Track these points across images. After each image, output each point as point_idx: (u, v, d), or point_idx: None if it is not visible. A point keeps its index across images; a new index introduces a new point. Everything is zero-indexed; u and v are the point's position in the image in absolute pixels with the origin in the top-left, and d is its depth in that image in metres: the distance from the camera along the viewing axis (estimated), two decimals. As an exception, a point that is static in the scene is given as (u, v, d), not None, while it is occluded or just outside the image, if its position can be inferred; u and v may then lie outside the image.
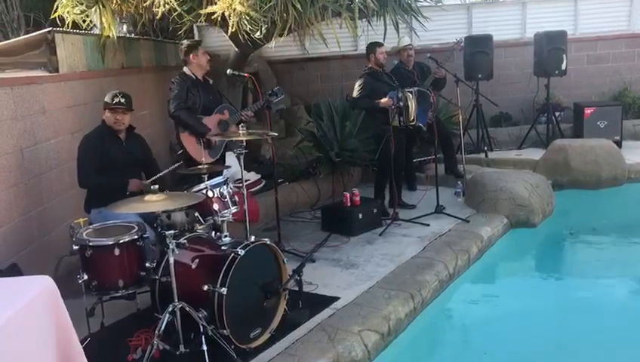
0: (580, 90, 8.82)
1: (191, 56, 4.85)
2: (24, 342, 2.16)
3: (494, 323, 4.15)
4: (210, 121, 4.86)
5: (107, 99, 4.10)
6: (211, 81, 5.08)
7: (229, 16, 4.82)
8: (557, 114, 8.30)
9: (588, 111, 7.92)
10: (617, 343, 3.76)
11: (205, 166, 3.89)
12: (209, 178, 3.77)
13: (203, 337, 3.15)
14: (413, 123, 5.76)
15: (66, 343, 2.44)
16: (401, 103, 5.53)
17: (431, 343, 4.02)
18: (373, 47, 5.93)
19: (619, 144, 7.50)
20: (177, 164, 4.41)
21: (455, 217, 5.65)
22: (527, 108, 8.73)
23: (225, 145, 5.00)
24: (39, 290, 2.36)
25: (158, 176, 4.08)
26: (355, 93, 5.88)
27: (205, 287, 3.22)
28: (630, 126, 8.39)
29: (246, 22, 4.75)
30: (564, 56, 7.88)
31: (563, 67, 7.90)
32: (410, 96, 5.66)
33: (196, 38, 8.43)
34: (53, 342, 2.37)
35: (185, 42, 4.93)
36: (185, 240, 3.46)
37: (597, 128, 7.82)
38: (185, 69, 4.90)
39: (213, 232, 3.66)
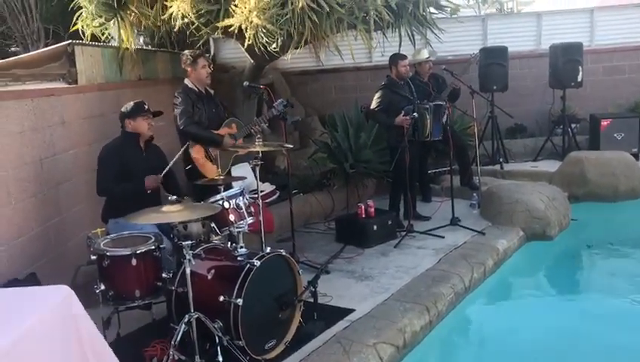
0: (596, 101, 8.75)
1: (189, 69, 4.74)
2: (43, 350, 2.18)
3: (510, 336, 4.10)
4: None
5: (135, 107, 4.15)
6: (213, 92, 4.97)
7: (246, 28, 4.85)
8: (573, 125, 8.23)
9: (604, 123, 7.85)
10: (635, 359, 3.70)
11: (220, 178, 3.91)
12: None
13: (218, 348, 3.17)
14: (427, 138, 5.75)
15: (88, 349, 2.45)
16: (416, 115, 5.51)
17: (446, 356, 3.99)
18: (395, 58, 5.88)
19: (636, 156, 7.42)
20: (183, 148, 4.40)
21: (470, 229, 5.62)
22: (542, 120, 8.67)
23: (233, 160, 4.97)
24: (58, 300, 2.39)
25: (168, 166, 4.14)
26: (372, 105, 5.88)
27: (221, 298, 3.23)
28: (647, 138, 8.29)
29: (262, 34, 4.79)
30: (580, 67, 7.83)
31: (579, 79, 7.84)
32: (427, 112, 5.64)
33: (212, 49, 8.51)
34: (74, 350, 2.39)
35: (186, 53, 4.79)
36: (201, 251, 3.49)
37: (614, 140, 7.74)
38: (186, 81, 4.79)
39: (229, 243, 3.67)
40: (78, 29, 5.74)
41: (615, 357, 3.74)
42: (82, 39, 5.58)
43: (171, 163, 4.18)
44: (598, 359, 3.74)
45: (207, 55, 6.49)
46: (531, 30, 8.96)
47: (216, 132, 4.76)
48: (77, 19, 5.69)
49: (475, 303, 4.53)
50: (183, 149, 4.37)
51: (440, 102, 5.84)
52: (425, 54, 6.37)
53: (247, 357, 3.22)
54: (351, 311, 4.03)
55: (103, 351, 2.55)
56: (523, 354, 3.84)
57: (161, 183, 4.16)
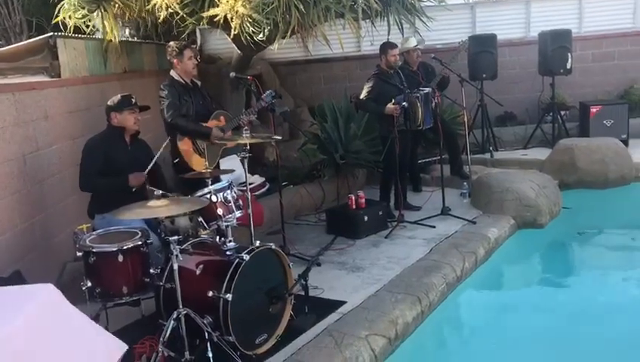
0: (586, 88, 8.75)
1: (175, 61, 4.61)
2: (29, 351, 2.13)
3: (502, 325, 4.10)
4: None
5: (121, 101, 4.06)
6: (200, 83, 4.85)
7: (232, 18, 4.79)
8: (562, 113, 8.23)
9: (594, 110, 7.85)
10: (626, 345, 3.70)
11: (208, 171, 3.85)
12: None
13: (208, 344, 3.12)
14: (420, 127, 5.71)
15: (78, 345, 2.39)
16: (406, 104, 5.46)
17: (438, 347, 3.98)
18: (385, 47, 5.78)
19: (626, 143, 7.43)
20: (166, 143, 4.33)
21: (461, 218, 5.60)
22: (532, 108, 8.65)
23: (221, 152, 4.90)
24: (43, 299, 2.33)
25: (151, 163, 4.06)
26: (362, 95, 5.82)
27: (210, 293, 3.18)
28: (637, 124, 8.25)
29: (248, 24, 4.72)
30: (569, 54, 7.82)
31: (568, 66, 7.83)
32: (418, 101, 5.60)
33: (198, 40, 8.40)
34: (61, 350, 2.33)
35: (171, 44, 4.65)
36: (189, 246, 3.43)
37: (603, 127, 7.74)
38: (172, 72, 4.65)
39: (218, 237, 3.62)
40: (62, 21, 5.63)
41: (607, 342, 3.74)
42: (66, 32, 5.47)
43: (154, 160, 4.10)
44: (590, 345, 3.73)
45: (194, 46, 6.40)
46: (520, 17, 8.92)
47: (204, 125, 4.69)
48: (59, 11, 5.58)
49: (467, 292, 4.52)
50: (164, 145, 4.28)
51: (427, 90, 5.79)
52: (413, 42, 6.31)
53: (238, 353, 3.18)
54: (342, 303, 4.00)
55: (97, 343, 2.49)
56: (515, 343, 3.83)
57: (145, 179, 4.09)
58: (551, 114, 8.13)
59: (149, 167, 4.04)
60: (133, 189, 3.94)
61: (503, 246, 5.29)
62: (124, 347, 2.52)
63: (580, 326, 3.98)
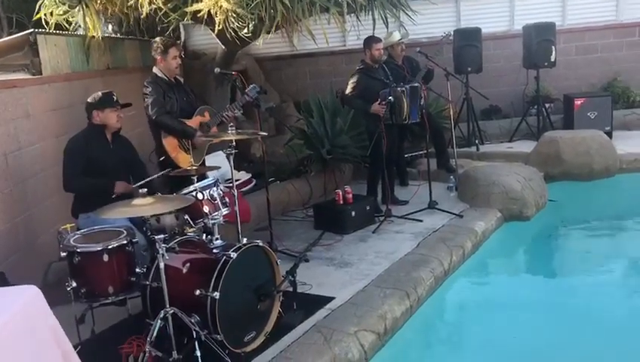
0: (570, 81, 8.80)
1: (159, 58, 4.55)
2: (9, 355, 2.10)
3: (489, 318, 4.11)
4: (192, 124, 4.66)
5: (102, 99, 3.99)
6: (182, 80, 4.79)
7: (216, 13, 4.74)
8: (547, 106, 8.28)
9: (578, 102, 7.91)
10: (611, 337, 3.73)
11: (194, 168, 3.81)
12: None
13: (196, 342, 3.09)
14: (406, 121, 5.71)
15: (55, 354, 2.37)
16: (392, 99, 5.45)
17: (428, 341, 3.98)
18: (369, 42, 5.75)
19: (609, 134, 7.49)
20: (167, 171, 4.30)
21: (448, 212, 5.61)
22: (517, 101, 8.70)
23: (207, 148, 4.86)
24: (25, 301, 2.30)
25: (146, 180, 3.99)
26: (347, 90, 5.79)
27: (197, 292, 3.14)
28: (620, 116, 8.37)
29: (233, 19, 4.68)
30: (553, 47, 7.86)
31: (552, 59, 7.87)
32: (403, 95, 5.58)
33: (182, 36, 8.32)
34: (42, 353, 2.30)
35: (157, 40, 4.58)
36: (175, 245, 3.40)
37: (587, 119, 7.80)
38: (155, 69, 4.59)
39: (204, 235, 3.59)
40: (44, 18, 5.54)
41: (592, 333, 3.77)
42: (48, 28, 5.39)
43: (149, 179, 4.03)
44: (575, 336, 3.76)
45: (178, 42, 6.33)
46: (504, 11, 8.93)
47: (189, 122, 4.64)
48: (40, 7, 5.49)
49: (455, 286, 4.53)
50: (161, 173, 4.21)
51: (415, 84, 5.79)
52: (396, 36, 6.30)
53: (227, 351, 3.15)
54: (331, 299, 3.98)
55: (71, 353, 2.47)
56: (503, 335, 3.84)
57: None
58: (536, 107, 8.18)
59: (140, 183, 3.96)
60: (113, 196, 3.87)
61: (490, 240, 5.31)
62: None
63: (567, 316, 4.00)
